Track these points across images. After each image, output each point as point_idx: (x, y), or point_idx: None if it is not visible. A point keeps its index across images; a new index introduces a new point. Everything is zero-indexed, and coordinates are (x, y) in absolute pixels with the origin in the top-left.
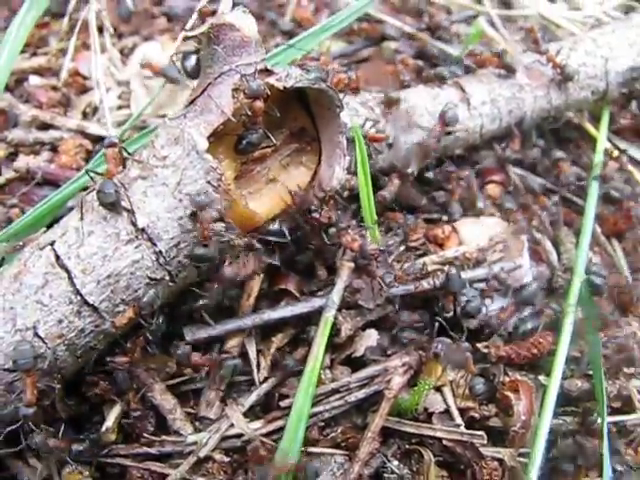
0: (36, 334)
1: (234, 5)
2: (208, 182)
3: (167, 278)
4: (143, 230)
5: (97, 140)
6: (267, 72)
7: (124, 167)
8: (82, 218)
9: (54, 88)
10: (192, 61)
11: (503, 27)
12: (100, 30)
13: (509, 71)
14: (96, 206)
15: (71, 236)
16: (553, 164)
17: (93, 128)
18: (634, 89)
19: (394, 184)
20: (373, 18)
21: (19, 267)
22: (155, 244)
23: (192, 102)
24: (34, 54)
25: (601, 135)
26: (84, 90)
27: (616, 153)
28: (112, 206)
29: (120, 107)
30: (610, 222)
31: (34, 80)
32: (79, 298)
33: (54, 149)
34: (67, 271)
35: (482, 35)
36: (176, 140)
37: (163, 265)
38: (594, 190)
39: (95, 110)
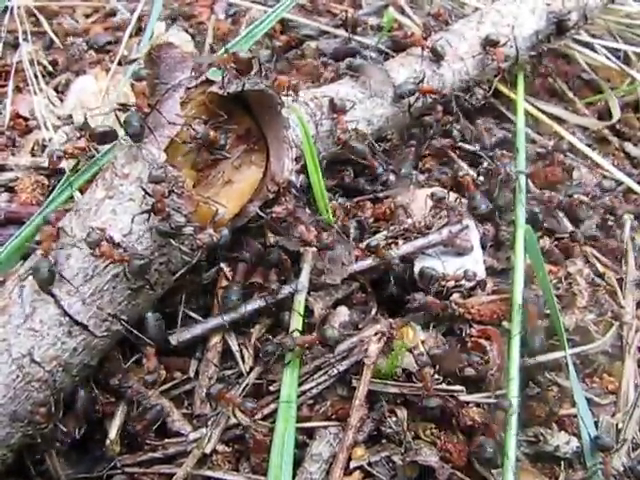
0: (32, 360)
1: (167, 27)
2: (172, 191)
3: (147, 287)
4: (119, 245)
5: (52, 174)
6: (209, 82)
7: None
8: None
9: None
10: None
11: (413, 13)
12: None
13: (437, 55)
14: (70, 231)
15: None
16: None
17: (47, 163)
18: (541, 50)
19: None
20: (289, 21)
21: (4, 301)
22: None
23: (144, 120)
24: None
25: (519, 98)
26: (27, 131)
27: None
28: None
29: (68, 140)
30: (541, 176)
31: None
32: (68, 319)
33: (10, 189)
34: (53, 295)
35: (394, 23)
36: (135, 157)
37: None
38: (522, 148)
39: (43, 147)
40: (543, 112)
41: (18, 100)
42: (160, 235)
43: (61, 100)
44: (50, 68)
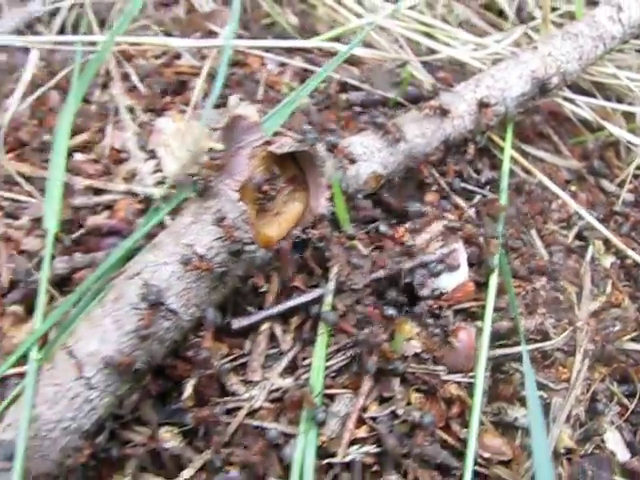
0: None
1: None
2: (243, 220)
3: (221, 287)
4: (203, 257)
5: (143, 200)
6: (268, 143)
7: None
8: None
9: (95, 161)
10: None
11: (426, 72)
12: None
13: (443, 112)
14: (165, 245)
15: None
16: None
17: (139, 189)
18: (527, 107)
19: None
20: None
21: (116, 294)
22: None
23: (222, 169)
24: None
25: (507, 145)
26: (120, 161)
27: None
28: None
29: (155, 172)
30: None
31: (78, 156)
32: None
33: (109, 208)
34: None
35: (411, 78)
36: (215, 195)
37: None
38: (505, 187)
39: (133, 176)
40: (530, 155)
41: (113, 135)
42: (230, 254)
43: (146, 137)
44: (135, 108)
